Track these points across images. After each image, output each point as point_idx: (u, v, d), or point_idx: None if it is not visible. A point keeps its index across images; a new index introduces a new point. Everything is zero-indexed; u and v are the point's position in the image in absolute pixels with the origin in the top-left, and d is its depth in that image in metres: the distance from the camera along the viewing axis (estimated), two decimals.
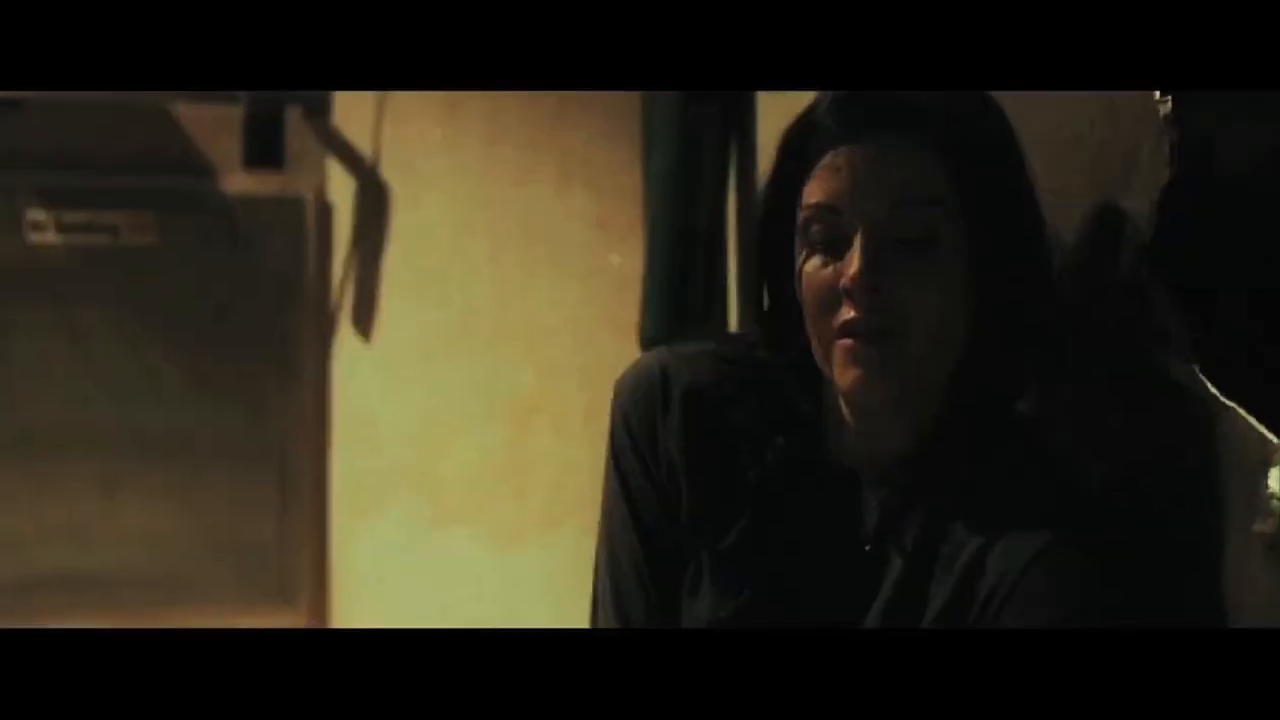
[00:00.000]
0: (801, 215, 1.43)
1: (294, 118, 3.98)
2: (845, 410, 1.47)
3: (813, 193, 1.42)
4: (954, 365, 1.43)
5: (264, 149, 3.94)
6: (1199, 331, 1.39)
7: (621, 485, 1.54)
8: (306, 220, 4.06)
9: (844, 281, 1.39)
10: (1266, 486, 1.28)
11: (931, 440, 1.44)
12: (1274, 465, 1.28)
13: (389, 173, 3.83)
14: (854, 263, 1.39)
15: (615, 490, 1.55)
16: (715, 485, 1.51)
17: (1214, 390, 1.36)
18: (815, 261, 1.42)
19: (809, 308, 1.43)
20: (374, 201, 3.87)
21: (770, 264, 1.50)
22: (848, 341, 1.40)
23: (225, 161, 3.99)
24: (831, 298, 1.41)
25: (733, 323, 2.82)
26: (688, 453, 1.51)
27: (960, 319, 1.42)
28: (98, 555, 3.90)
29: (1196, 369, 1.37)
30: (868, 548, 1.45)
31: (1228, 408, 1.34)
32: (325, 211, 4.06)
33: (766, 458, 1.49)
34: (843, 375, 1.41)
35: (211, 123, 3.98)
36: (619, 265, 3.44)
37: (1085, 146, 1.54)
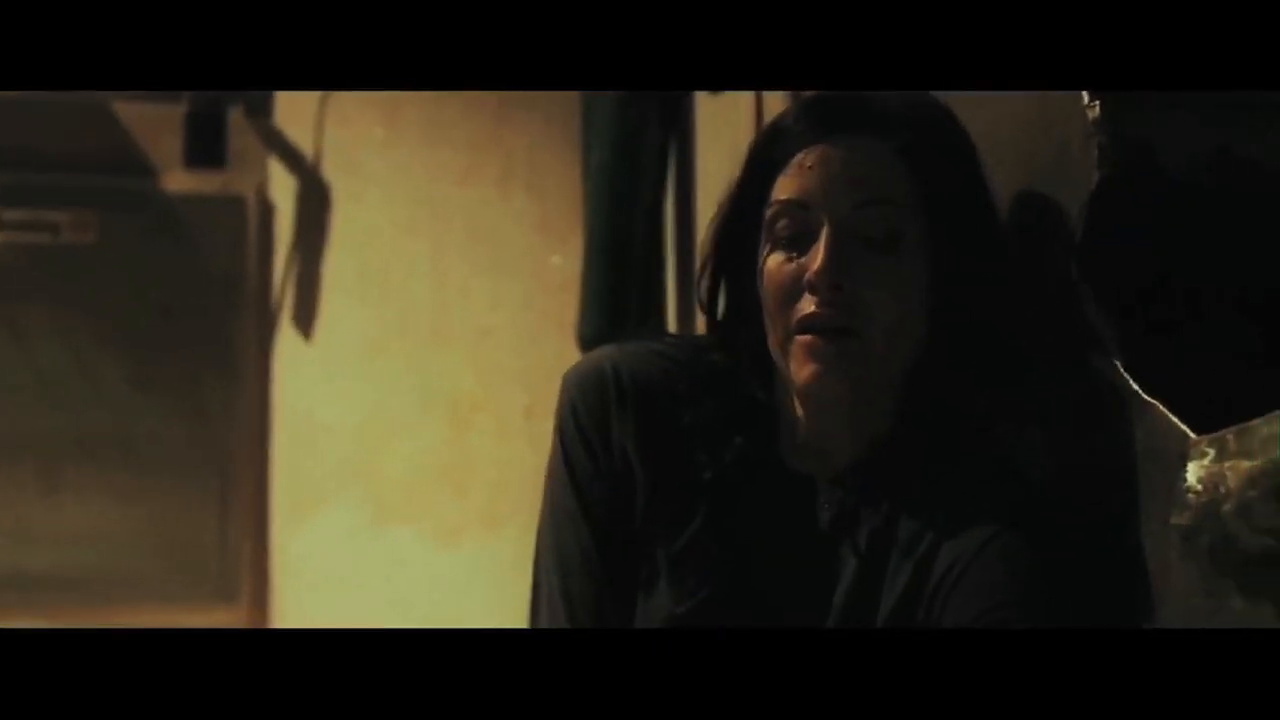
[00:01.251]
0: (768, 211, 1.43)
1: (236, 117, 3.98)
2: (799, 408, 1.47)
3: (782, 189, 1.43)
4: (910, 365, 1.44)
5: (206, 148, 3.93)
6: (1123, 329, 1.41)
7: (570, 477, 1.52)
8: (248, 220, 4.06)
9: (808, 276, 1.40)
10: (1184, 480, 1.30)
11: (885, 439, 1.45)
12: (1191, 459, 1.30)
13: (331, 172, 3.84)
14: (818, 258, 1.39)
15: (563, 483, 1.53)
16: (671, 482, 1.50)
17: (1136, 386, 1.38)
18: (778, 257, 1.43)
19: (769, 302, 1.43)
20: (316, 201, 3.87)
21: (730, 266, 1.50)
22: (807, 337, 1.40)
23: (167, 160, 3.98)
24: (793, 292, 1.41)
25: (670, 323, 2.83)
26: (642, 448, 1.50)
27: (919, 320, 1.43)
28: (38, 554, 3.89)
29: (1119, 365, 1.40)
30: (823, 546, 1.45)
31: (1149, 404, 1.36)
32: (267, 211, 4.06)
33: (723, 457, 1.49)
34: (800, 370, 1.41)
35: (153, 121, 3.97)
36: (560, 266, 3.46)
37: (1018, 147, 1.55)
